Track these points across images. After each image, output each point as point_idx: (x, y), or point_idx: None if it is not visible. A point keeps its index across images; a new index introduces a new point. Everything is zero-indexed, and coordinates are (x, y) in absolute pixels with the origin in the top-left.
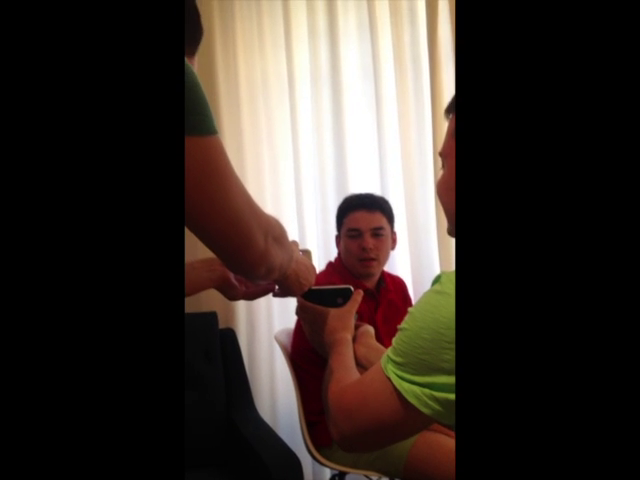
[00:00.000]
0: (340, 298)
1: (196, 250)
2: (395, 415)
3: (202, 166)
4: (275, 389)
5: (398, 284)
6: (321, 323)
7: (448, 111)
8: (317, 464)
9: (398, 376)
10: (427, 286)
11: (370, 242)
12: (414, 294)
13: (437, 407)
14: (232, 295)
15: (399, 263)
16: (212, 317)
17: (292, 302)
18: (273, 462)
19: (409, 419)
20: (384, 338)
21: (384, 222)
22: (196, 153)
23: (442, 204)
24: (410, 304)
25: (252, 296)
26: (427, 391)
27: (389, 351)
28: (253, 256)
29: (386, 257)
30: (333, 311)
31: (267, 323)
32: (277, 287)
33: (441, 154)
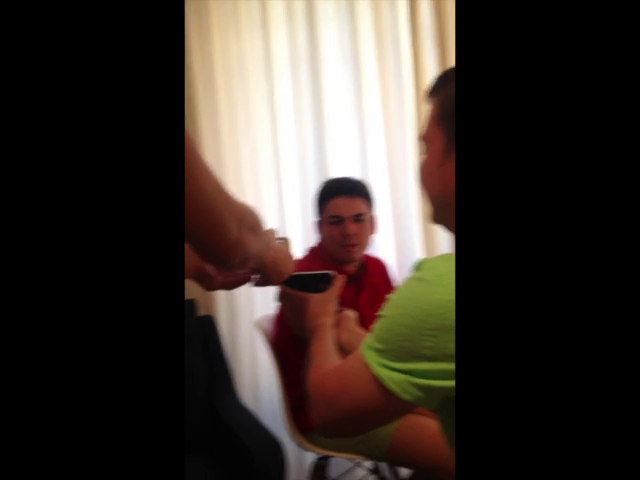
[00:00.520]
0: (322, 283)
1: None
2: (375, 401)
3: None
4: (257, 375)
5: (379, 266)
6: (302, 309)
7: (429, 94)
8: (301, 449)
9: (378, 363)
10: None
11: (352, 228)
12: (398, 279)
13: (418, 393)
14: (208, 285)
15: (382, 248)
16: (191, 305)
17: (273, 288)
18: (256, 447)
19: (389, 405)
20: (368, 322)
21: (365, 207)
22: None
23: (423, 189)
24: (392, 285)
25: (230, 286)
26: (408, 377)
27: (368, 338)
28: (226, 244)
29: (367, 241)
30: (314, 297)
31: (248, 310)
32: (258, 276)
33: (422, 138)
